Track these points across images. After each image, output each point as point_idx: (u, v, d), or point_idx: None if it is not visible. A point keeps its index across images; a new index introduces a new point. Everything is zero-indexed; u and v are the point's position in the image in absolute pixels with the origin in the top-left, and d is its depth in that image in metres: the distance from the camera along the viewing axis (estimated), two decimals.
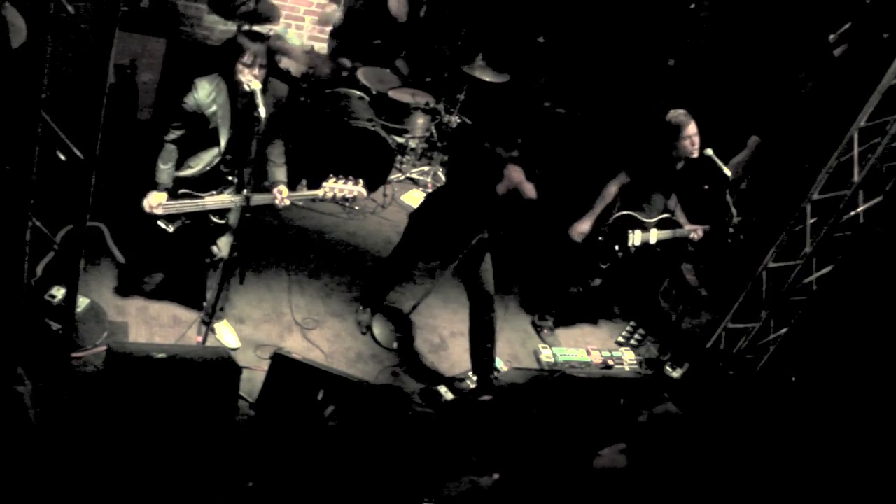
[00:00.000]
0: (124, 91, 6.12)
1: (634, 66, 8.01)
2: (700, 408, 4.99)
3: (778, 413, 4.95)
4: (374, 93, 6.87)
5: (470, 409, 5.02)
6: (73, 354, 4.45)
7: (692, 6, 7.84)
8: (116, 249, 5.14)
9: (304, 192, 4.74)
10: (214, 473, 4.01)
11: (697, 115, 5.25)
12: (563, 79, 8.22)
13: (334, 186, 4.66)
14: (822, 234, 5.34)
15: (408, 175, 7.24)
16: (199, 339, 4.77)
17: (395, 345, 5.40)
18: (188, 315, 5.02)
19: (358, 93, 6.73)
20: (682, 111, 5.26)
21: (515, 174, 4.61)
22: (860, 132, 5.19)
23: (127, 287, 5.05)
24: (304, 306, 5.46)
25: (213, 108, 4.40)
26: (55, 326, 4.31)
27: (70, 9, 3.38)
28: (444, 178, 7.18)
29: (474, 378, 5.18)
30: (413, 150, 7.25)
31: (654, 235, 5.50)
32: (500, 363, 5.32)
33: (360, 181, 4.71)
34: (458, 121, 7.31)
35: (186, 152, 4.52)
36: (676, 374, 5.90)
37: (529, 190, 4.60)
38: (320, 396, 4.31)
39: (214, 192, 4.54)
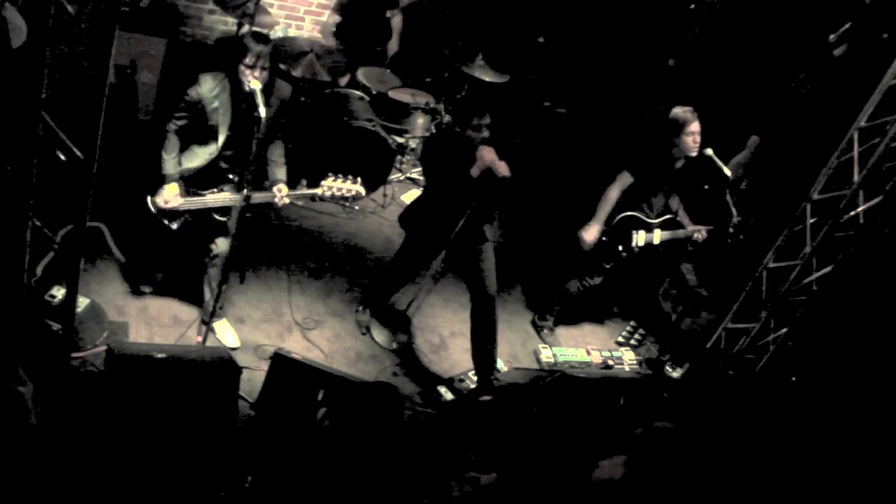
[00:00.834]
0: (124, 91, 6.12)
1: (634, 65, 8.01)
2: (700, 408, 5.00)
3: (778, 413, 4.95)
4: (374, 93, 6.87)
5: (470, 409, 5.02)
6: (73, 354, 4.45)
7: (692, 6, 7.84)
8: (116, 249, 5.15)
9: (304, 191, 4.75)
10: (214, 473, 4.01)
11: (697, 114, 5.26)
12: (563, 79, 8.22)
13: (333, 185, 4.67)
14: (822, 234, 5.34)
15: (408, 175, 7.23)
16: (199, 338, 4.77)
17: (394, 345, 5.40)
18: (188, 315, 5.02)
19: (358, 93, 6.73)
20: (688, 108, 5.26)
21: (487, 154, 4.63)
22: (860, 132, 5.19)
23: (127, 287, 5.05)
24: (304, 306, 5.46)
25: (215, 104, 4.41)
26: (55, 326, 4.30)
27: (70, 9, 3.38)
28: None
29: (474, 378, 5.18)
30: (413, 150, 7.25)
31: (657, 236, 5.50)
32: (500, 363, 5.32)
33: (359, 180, 4.72)
34: None
35: (184, 148, 4.54)
36: (676, 374, 5.90)
37: (503, 168, 4.62)
38: (320, 396, 4.30)
39: (216, 190, 4.55)
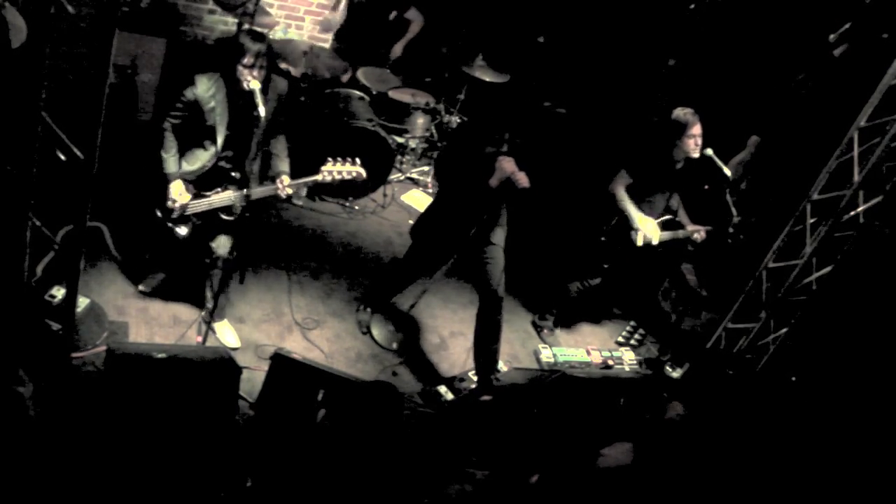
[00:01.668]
0: (124, 91, 6.13)
1: (635, 65, 8.02)
2: (700, 408, 5.00)
3: (778, 413, 4.95)
4: (374, 93, 6.87)
5: (470, 409, 5.02)
6: (73, 354, 4.44)
7: (692, 6, 7.84)
8: (114, 249, 5.14)
9: (305, 179, 4.70)
10: (214, 473, 4.01)
11: (698, 116, 5.26)
12: (563, 78, 8.22)
13: (333, 169, 4.64)
14: (822, 234, 5.34)
15: (408, 175, 7.24)
16: (200, 338, 4.78)
17: (394, 345, 5.41)
18: (188, 315, 5.02)
19: (358, 93, 6.73)
20: (689, 109, 5.26)
21: (507, 164, 4.63)
22: (860, 132, 5.19)
23: (127, 287, 5.05)
24: (304, 306, 5.46)
25: (212, 104, 4.41)
26: (55, 326, 4.30)
27: (70, 9, 3.39)
28: (433, 183, 7.17)
29: (474, 378, 5.18)
30: (413, 150, 7.26)
31: (657, 236, 5.50)
32: (500, 363, 5.32)
33: (358, 161, 4.70)
34: (458, 121, 7.32)
35: (184, 151, 4.53)
36: (676, 374, 5.90)
37: (523, 179, 4.61)
38: (320, 397, 4.30)
39: (219, 189, 4.55)
